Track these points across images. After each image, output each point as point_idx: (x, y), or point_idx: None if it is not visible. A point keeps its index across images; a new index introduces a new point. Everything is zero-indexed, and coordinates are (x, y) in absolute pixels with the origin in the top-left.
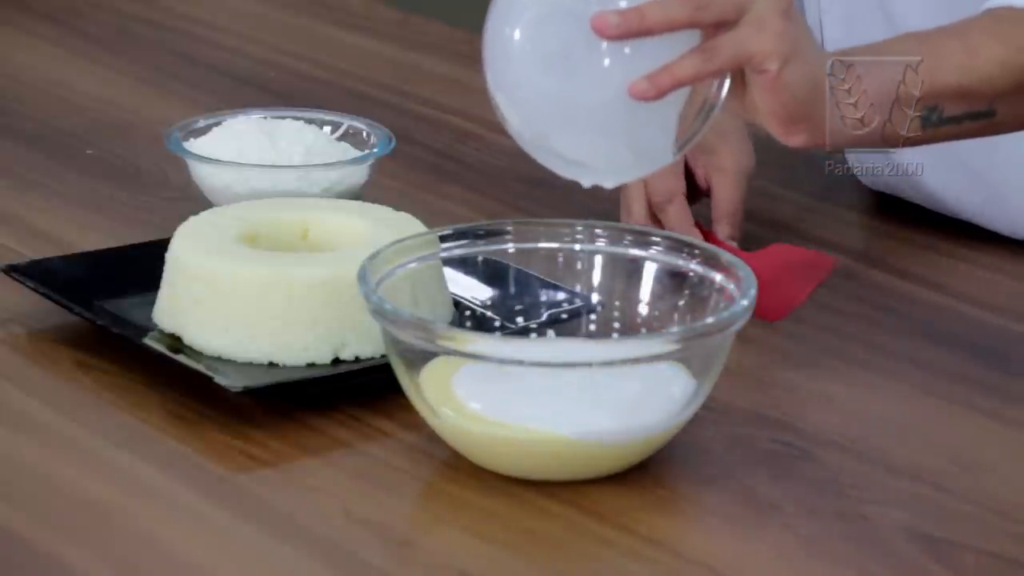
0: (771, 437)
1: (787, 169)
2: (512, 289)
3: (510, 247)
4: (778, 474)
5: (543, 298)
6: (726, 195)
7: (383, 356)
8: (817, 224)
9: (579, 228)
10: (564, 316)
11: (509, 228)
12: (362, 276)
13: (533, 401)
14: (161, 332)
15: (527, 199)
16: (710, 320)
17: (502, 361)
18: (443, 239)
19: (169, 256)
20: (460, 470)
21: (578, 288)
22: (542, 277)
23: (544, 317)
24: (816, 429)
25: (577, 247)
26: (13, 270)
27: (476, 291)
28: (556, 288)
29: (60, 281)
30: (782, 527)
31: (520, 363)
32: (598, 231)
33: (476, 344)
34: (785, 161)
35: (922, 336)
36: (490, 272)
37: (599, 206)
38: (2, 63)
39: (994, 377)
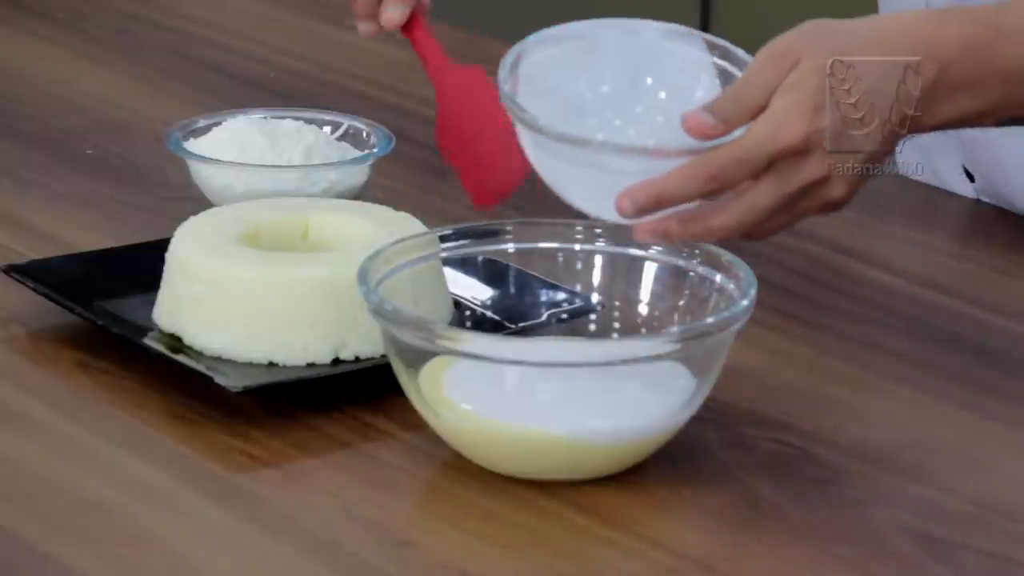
0: (771, 437)
1: None
2: (512, 289)
3: (510, 247)
4: (778, 474)
5: (543, 298)
6: None
7: (383, 356)
8: (818, 224)
9: (579, 228)
10: (564, 316)
11: (509, 228)
12: (362, 276)
13: (533, 401)
14: (161, 332)
15: (527, 199)
16: (710, 320)
17: (502, 361)
18: (443, 239)
19: (169, 256)
20: (460, 470)
21: (578, 288)
22: (542, 277)
23: (544, 317)
24: (816, 429)
25: (577, 247)
26: (13, 270)
27: (476, 291)
28: (556, 288)
29: (60, 281)
30: (782, 527)
31: (520, 363)
32: (598, 231)
33: (476, 344)
34: None
35: (922, 336)
36: (490, 272)
37: None
38: (2, 63)
39: (994, 377)
